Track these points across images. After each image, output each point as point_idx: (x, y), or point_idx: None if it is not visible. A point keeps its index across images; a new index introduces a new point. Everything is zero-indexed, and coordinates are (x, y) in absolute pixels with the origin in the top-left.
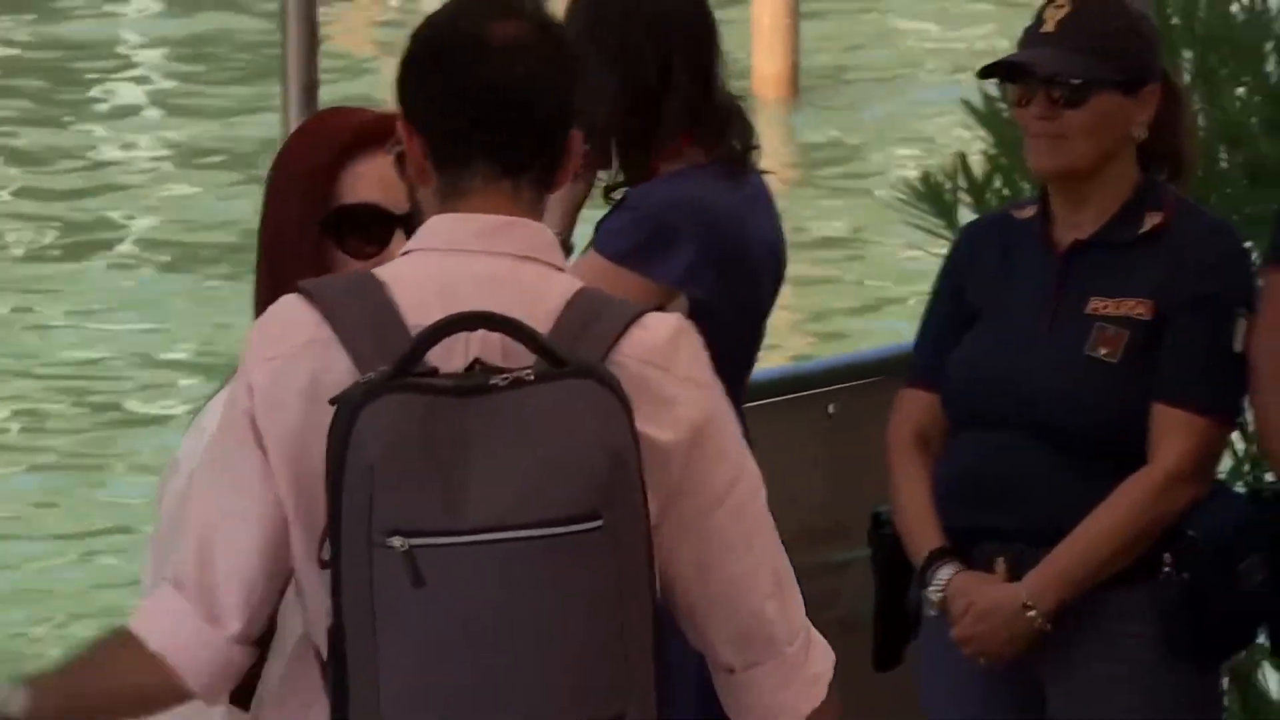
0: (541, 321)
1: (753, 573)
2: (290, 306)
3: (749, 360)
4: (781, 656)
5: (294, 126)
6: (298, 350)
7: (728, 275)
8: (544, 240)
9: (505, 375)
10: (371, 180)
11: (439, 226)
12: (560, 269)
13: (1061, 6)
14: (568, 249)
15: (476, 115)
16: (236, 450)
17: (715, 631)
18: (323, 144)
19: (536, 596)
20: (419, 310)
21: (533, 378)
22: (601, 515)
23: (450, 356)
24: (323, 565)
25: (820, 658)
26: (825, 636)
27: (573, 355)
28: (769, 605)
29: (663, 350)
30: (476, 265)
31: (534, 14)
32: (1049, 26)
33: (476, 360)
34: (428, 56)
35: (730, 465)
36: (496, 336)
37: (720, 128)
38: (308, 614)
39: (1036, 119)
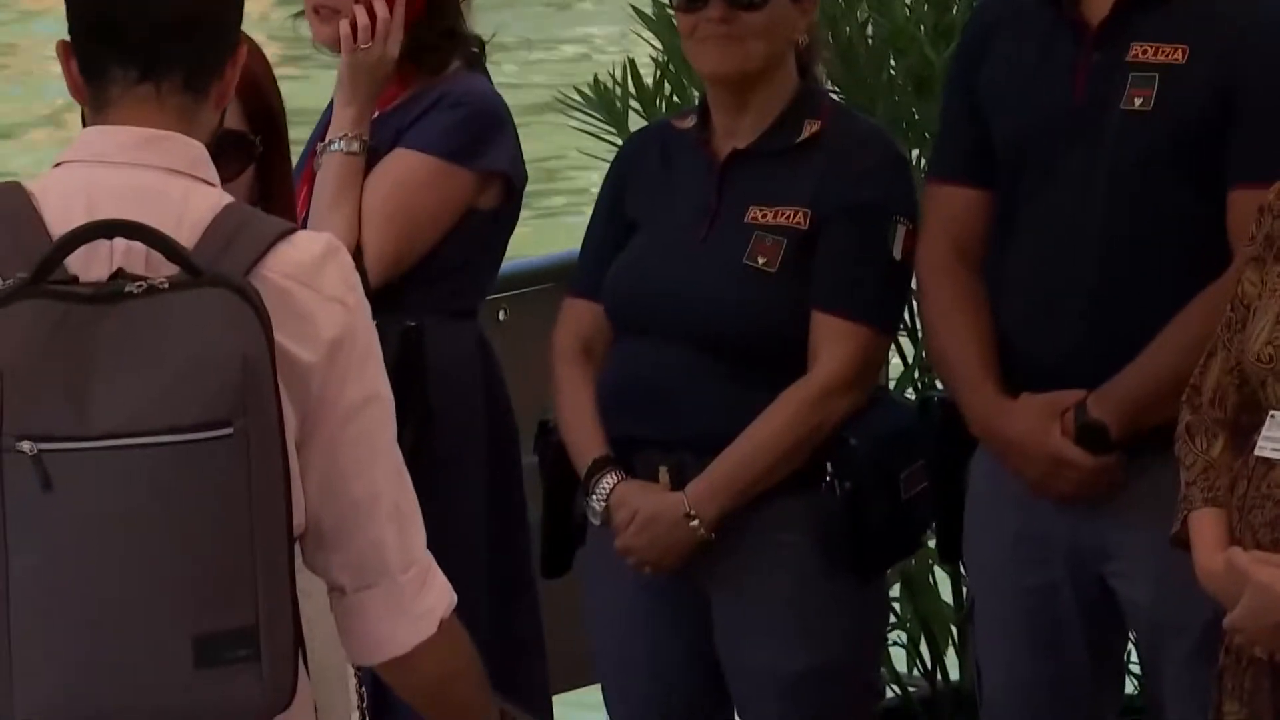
0: (187, 235)
1: (373, 498)
2: None
3: None
4: (392, 582)
5: None
6: None
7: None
8: (193, 155)
9: (140, 283)
10: None
11: (88, 138)
12: (211, 184)
13: None
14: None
15: (102, 21)
16: None
17: (333, 554)
18: None
19: (161, 503)
20: (63, 221)
21: (167, 286)
22: (232, 424)
23: (93, 266)
24: None
25: (438, 595)
26: None
27: (209, 266)
28: (387, 531)
29: (309, 268)
30: (122, 177)
31: None
32: None
33: (119, 270)
34: None
35: (362, 387)
36: (141, 248)
37: (465, 32)
38: None
39: (713, 20)
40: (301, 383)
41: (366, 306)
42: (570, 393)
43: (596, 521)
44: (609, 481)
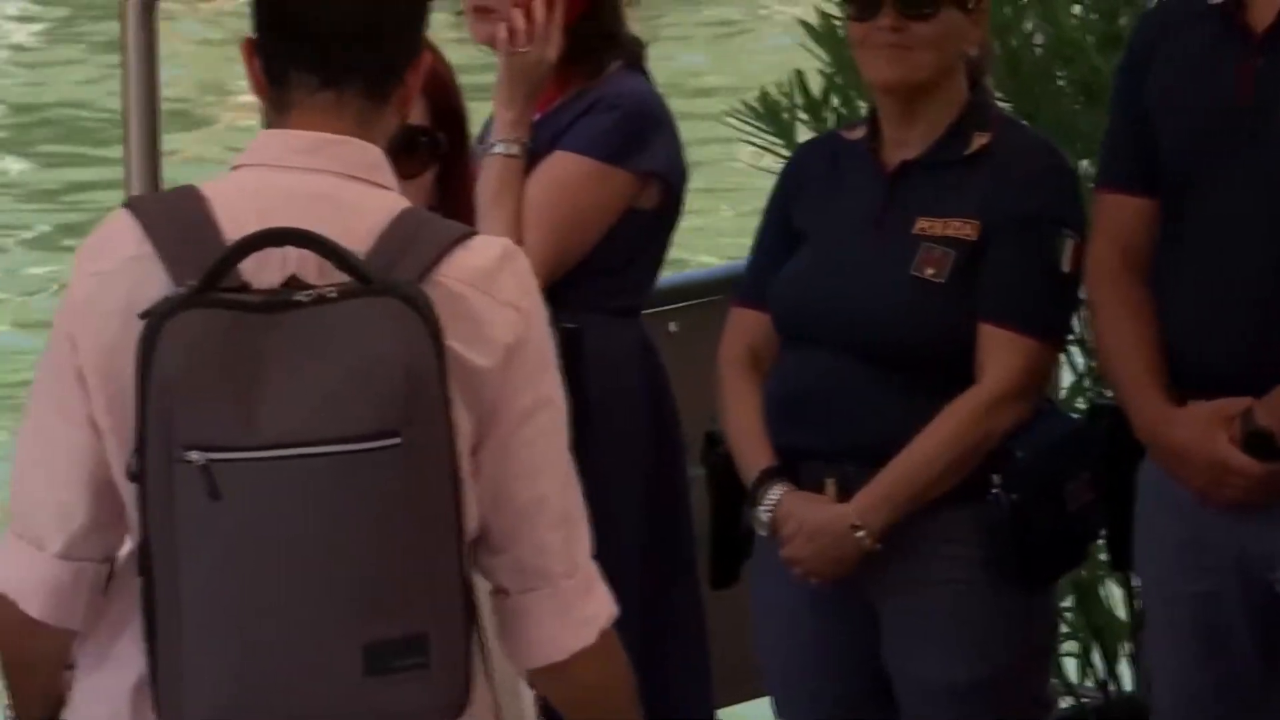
0: (362, 240)
1: (540, 503)
2: (117, 221)
3: None
4: (556, 587)
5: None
6: (119, 267)
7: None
8: (370, 159)
9: (309, 292)
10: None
11: (265, 142)
12: (387, 188)
13: None
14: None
15: (288, 27)
16: (54, 374)
17: (498, 556)
18: None
19: (328, 513)
20: (237, 226)
21: (335, 295)
22: (400, 433)
23: (265, 271)
24: (131, 479)
25: (600, 603)
26: None
27: (378, 273)
28: (552, 537)
29: (485, 273)
30: (296, 182)
31: None
32: None
33: (292, 277)
34: None
35: (535, 394)
36: (315, 255)
37: (627, 30)
38: (131, 530)
39: (884, 30)
40: (476, 388)
41: (543, 312)
42: (737, 403)
43: (764, 532)
44: (776, 492)
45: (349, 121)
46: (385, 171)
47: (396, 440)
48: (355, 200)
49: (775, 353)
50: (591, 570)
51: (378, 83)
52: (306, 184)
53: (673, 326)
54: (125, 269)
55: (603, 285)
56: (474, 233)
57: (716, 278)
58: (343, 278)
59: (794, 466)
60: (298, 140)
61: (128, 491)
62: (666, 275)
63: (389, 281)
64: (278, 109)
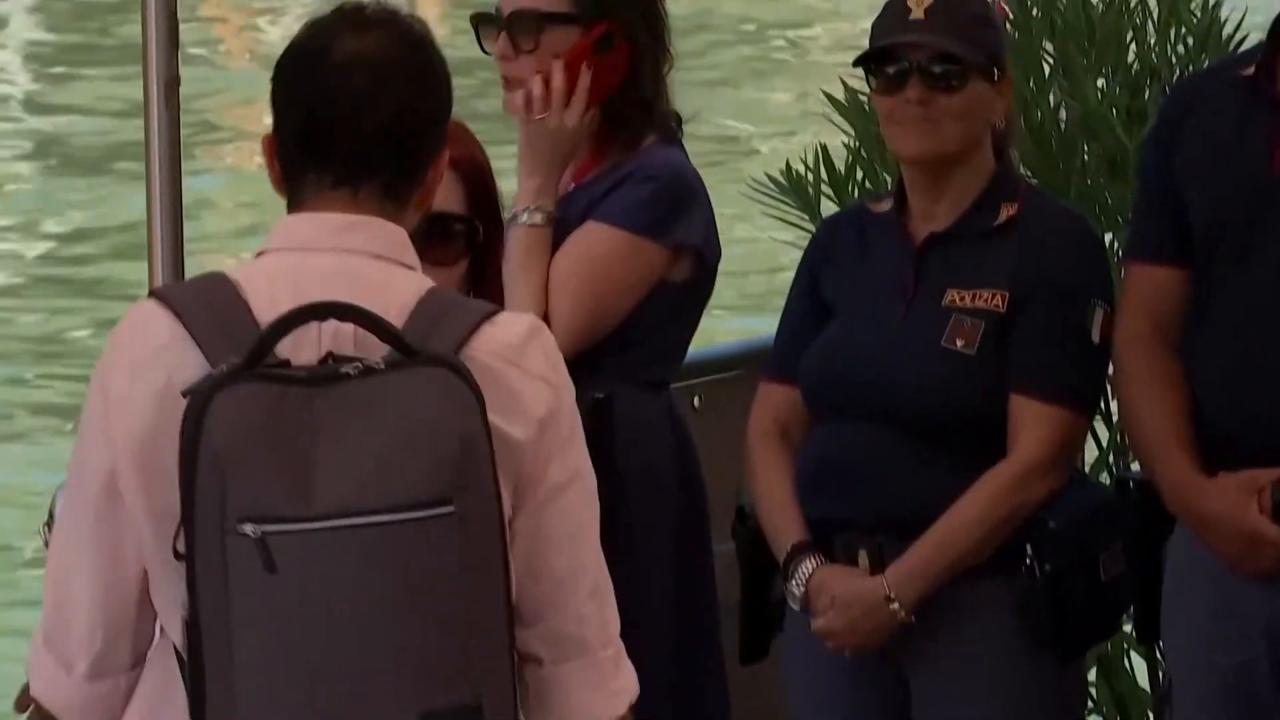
0: (393, 317)
1: (576, 574)
2: (145, 311)
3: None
4: (593, 657)
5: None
6: (153, 355)
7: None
8: (396, 239)
9: (356, 364)
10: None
11: (290, 226)
12: (412, 268)
13: None
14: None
15: (303, 128)
16: (84, 482)
17: (532, 626)
18: None
19: (383, 582)
20: (270, 307)
21: (383, 366)
22: (453, 500)
23: (302, 349)
24: (178, 557)
25: (628, 677)
26: None
27: (424, 345)
28: (589, 608)
29: (515, 347)
30: (328, 262)
31: (397, 27)
32: (917, 14)
33: (329, 354)
34: (277, 71)
35: (566, 466)
36: (349, 331)
37: (667, 105)
38: (162, 614)
39: (911, 103)
40: (513, 460)
41: (571, 387)
42: (767, 477)
43: (796, 606)
44: (808, 566)
45: (368, 211)
46: (409, 251)
47: (450, 509)
48: (384, 279)
49: (805, 426)
50: (620, 643)
51: (396, 184)
52: (337, 263)
53: (697, 402)
54: (159, 356)
55: (633, 356)
56: (499, 310)
57: (740, 352)
58: (378, 354)
59: (826, 539)
60: (326, 222)
61: (167, 574)
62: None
63: (435, 353)
64: (295, 202)
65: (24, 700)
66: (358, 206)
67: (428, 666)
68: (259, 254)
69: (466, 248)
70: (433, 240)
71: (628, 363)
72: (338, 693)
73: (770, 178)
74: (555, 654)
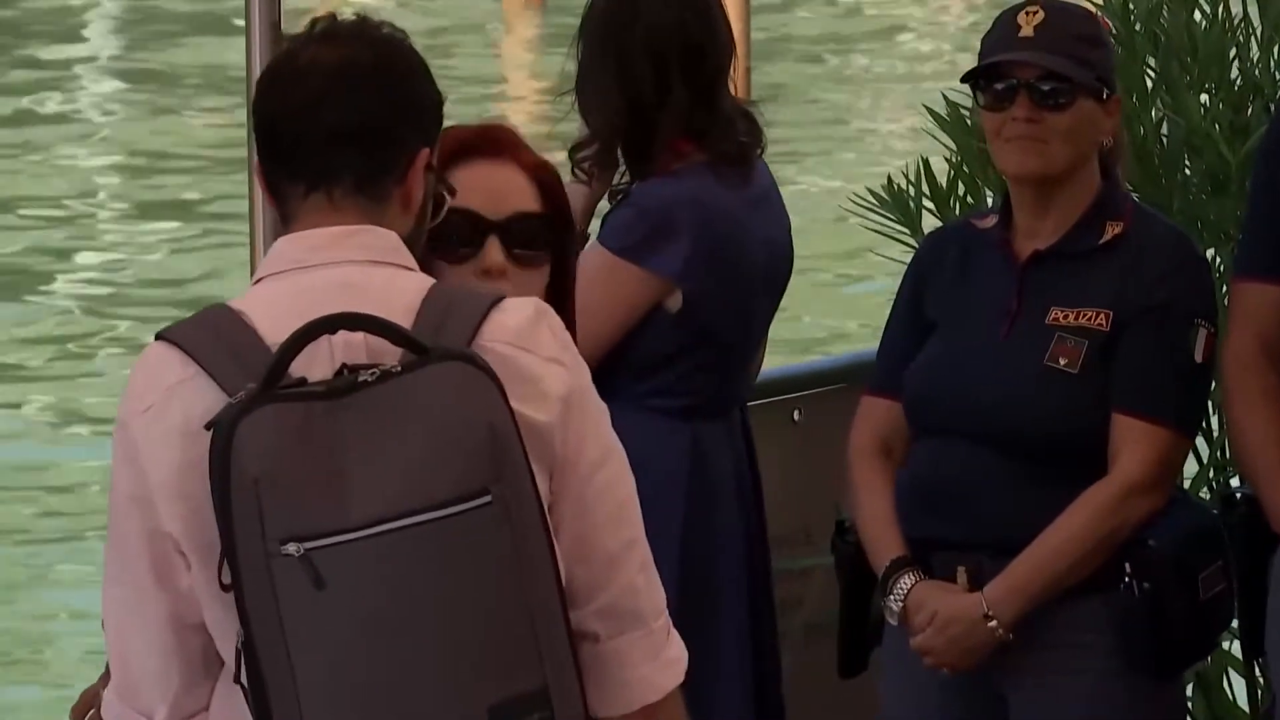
0: (399, 319)
1: (627, 547)
2: (154, 355)
3: (745, 358)
4: (648, 629)
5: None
6: (167, 395)
7: (720, 273)
8: (388, 243)
9: (373, 370)
10: (469, 187)
11: (279, 250)
12: (410, 269)
13: (1035, 13)
14: (583, 242)
15: (267, 138)
16: (124, 537)
17: (587, 604)
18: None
19: (433, 580)
20: (276, 330)
21: (400, 369)
22: (490, 491)
23: (315, 365)
24: (224, 588)
25: (679, 646)
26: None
27: (435, 342)
28: (641, 579)
29: (524, 332)
30: (324, 277)
31: (365, 34)
32: (1027, 31)
33: (344, 365)
34: (256, 89)
35: (598, 444)
36: (360, 340)
37: (722, 133)
38: (221, 645)
39: (1019, 120)
40: (543, 444)
41: (584, 365)
42: (868, 492)
43: (894, 621)
44: (907, 581)
45: (350, 219)
46: (405, 254)
47: (488, 499)
48: (384, 283)
49: (906, 441)
50: (667, 614)
51: (369, 181)
52: (334, 276)
53: (797, 415)
54: (174, 394)
55: (642, 384)
56: (503, 296)
57: (840, 366)
58: (390, 360)
59: (925, 556)
60: (313, 239)
61: (215, 605)
62: (791, 364)
63: (447, 348)
64: (284, 220)
65: None
66: (338, 213)
67: (489, 659)
68: (256, 281)
69: (545, 245)
70: (519, 241)
71: (641, 391)
72: (404, 697)
73: (871, 191)
74: (612, 629)
